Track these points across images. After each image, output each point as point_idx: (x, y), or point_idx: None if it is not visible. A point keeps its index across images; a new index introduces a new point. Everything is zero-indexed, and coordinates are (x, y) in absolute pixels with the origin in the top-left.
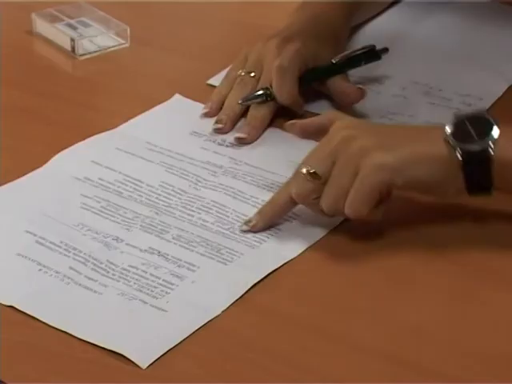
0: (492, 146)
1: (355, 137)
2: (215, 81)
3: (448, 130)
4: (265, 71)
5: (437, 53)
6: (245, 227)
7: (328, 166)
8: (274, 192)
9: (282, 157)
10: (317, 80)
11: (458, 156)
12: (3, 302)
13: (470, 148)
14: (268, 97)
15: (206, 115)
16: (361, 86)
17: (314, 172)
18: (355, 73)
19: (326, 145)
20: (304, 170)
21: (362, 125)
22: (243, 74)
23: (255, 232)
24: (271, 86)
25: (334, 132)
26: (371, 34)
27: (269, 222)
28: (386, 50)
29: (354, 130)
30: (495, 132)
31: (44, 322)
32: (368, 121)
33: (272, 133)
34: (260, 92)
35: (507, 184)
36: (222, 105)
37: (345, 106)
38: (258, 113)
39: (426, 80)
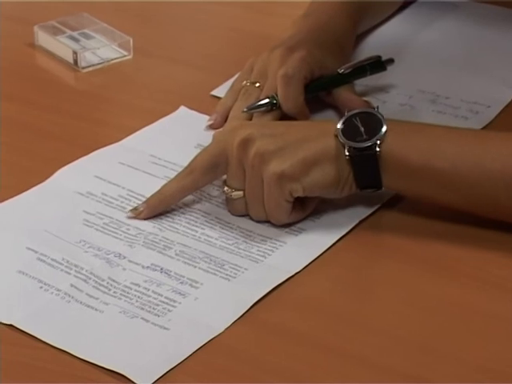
0: (379, 143)
1: (250, 139)
2: (219, 92)
3: (338, 126)
4: (269, 80)
5: (442, 61)
6: (130, 214)
7: (241, 177)
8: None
9: None
10: (323, 90)
11: (346, 153)
12: (3, 321)
13: (358, 145)
14: (273, 105)
15: (211, 127)
16: (367, 99)
17: (234, 189)
18: (361, 82)
19: (230, 155)
20: (227, 190)
21: (252, 122)
22: (248, 84)
23: (141, 219)
24: (276, 95)
25: (229, 137)
26: (376, 42)
27: (154, 211)
28: (391, 60)
29: (247, 128)
30: (384, 129)
31: (44, 341)
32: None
33: None
34: (265, 100)
35: (395, 180)
36: (227, 116)
37: None
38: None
39: (433, 88)
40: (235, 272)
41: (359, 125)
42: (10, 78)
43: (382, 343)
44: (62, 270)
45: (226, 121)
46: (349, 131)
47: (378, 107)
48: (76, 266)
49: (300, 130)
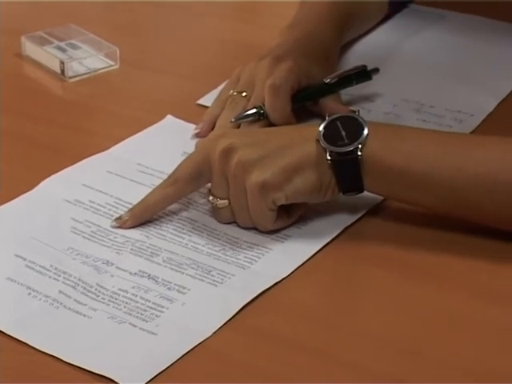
0: (360, 147)
1: (232, 149)
2: (205, 101)
3: (320, 130)
4: (256, 90)
5: (427, 70)
6: (114, 223)
7: (224, 186)
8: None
9: None
10: (310, 100)
11: (328, 157)
12: None
13: (339, 150)
14: (260, 115)
15: (198, 135)
16: (353, 108)
17: (219, 198)
18: (346, 91)
19: (213, 165)
20: (212, 200)
21: (234, 130)
22: (235, 93)
23: (125, 228)
24: (264, 105)
25: (211, 145)
26: (361, 52)
27: (139, 220)
28: (376, 70)
29: (228, 137)
30: (365, 133)
31: (33, 347)
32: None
33: None
34: (253, 110)
35: (377, 183)
36: (214, 125)
37: None
38: None
39: (417, 97)
40: (222, 278)
41: (340, 129)
42: None
43: (368, 347)
44: (50, 276)
45: (212, 129)
46: (330, 135)
47: (359, 111)
48: (64, 272)
49: (281, 136)
